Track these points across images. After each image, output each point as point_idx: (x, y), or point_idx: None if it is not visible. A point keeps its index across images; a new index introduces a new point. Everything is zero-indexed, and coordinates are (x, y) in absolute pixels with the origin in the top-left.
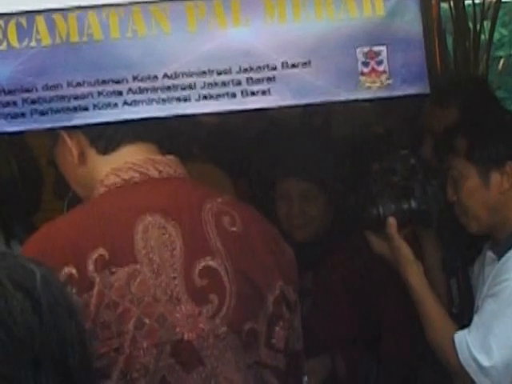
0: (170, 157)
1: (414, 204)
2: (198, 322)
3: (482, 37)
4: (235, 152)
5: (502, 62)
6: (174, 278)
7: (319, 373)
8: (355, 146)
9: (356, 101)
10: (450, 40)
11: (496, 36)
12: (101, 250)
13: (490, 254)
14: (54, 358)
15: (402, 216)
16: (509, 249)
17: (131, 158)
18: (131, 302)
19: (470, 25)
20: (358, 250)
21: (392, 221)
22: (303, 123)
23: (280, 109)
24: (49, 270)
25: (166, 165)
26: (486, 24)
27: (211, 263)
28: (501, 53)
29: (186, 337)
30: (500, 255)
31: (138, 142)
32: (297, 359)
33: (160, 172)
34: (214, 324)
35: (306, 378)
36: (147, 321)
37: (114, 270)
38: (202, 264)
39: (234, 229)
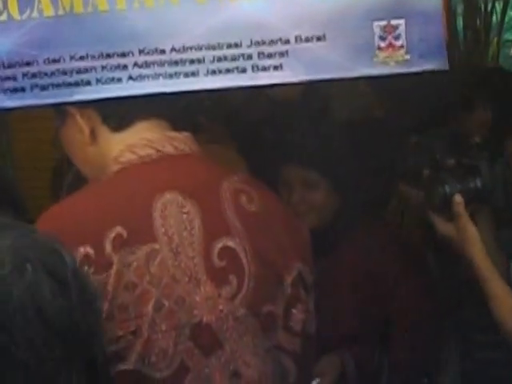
0: (186, 133)
1: (479, 183)
2: (217, 304)
3: (493, 18)
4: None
5: None
6: (193, 258)
7: (330, 374)
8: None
9: (372, 77)
10: (459, 21)
11: (505, 18)
12: (119, 229)
13: None
14: (82, 350)
15: (467, 195)
16: None
17: (146, 135)
18: (150, 282)
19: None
20: (367, 244)
21: (459, 199)
22: (304, 108)
23: (282, 91)
24: (72, 255)
25: (182, 142)
26: (498, 4)
27: (230, 243)
28: (510, 36)
29: (204, 319)
30: None
31: (151, 119)
32: (311, 343)
33: (176, 149)
34: (233, 306)
35: (318, 380)
36: (166, 302)
37: (132, 249)
38: (221, 244)
39: (252, 207)
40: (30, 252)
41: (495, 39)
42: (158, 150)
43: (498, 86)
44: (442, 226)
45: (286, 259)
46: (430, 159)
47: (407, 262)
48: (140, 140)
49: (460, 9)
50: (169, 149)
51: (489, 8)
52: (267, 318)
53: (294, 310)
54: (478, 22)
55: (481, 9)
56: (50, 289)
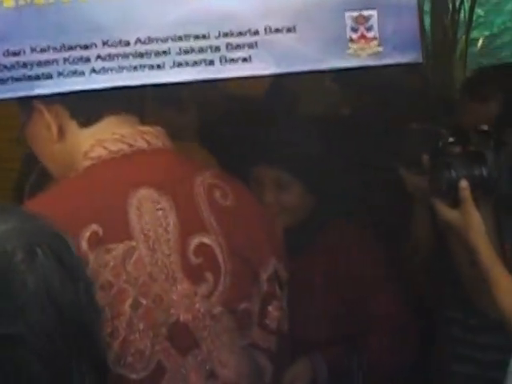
0: (158, 128)
1: (485, 171)
2: (193, 302)
3: (461, 16)
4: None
5: (480, 42)
6: (169, 255)
7: (302, 379)
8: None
9: (344, 69)
10: (427, 19)
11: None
12: (94, 227)
13: None
14: (89, 344)
15: (472, 181)
16: None
17: (118, 129)
18: (127, 281)
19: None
20: (341, 245)
21: (465, 184)
22: (273, 106)
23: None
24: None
25: (154, 136)
26: (467, 1)
27: (205, 240)
28: (476, 34)
29: (181, 318)
30: None
31: (121, 113)
32: (286, 341)
33: (149, 144)
34: (209, 304)
35: None
36: (143, 301)
37: (108, 247)
38: (197, 241)
39: (226, 202)
40: (37, 237)
41: (463, 37)
42: (131, 145)
43: (510, 79)
44: (446, 212)
45: (262, 255)
46: (431, 146)
47: (384, 262)
48: (112, 135)
49: (427, 7)
50: (141, 143)
51: (457, 6)
52: (243, 316)
53: (269, 308)
54: (446, 19)
55: (448, 7)
56: (59, 276)
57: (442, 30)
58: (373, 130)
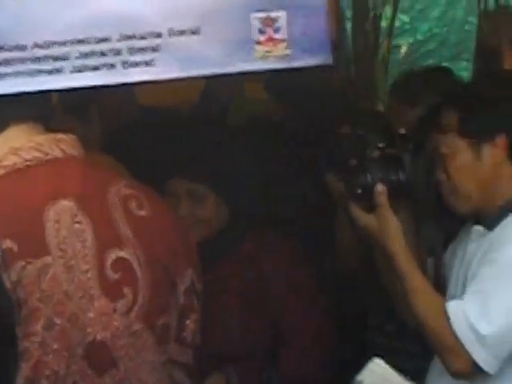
0: (72, 136)
1: (402, 175)
2: (112, 319)
3: (384, 23)
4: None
5: (403, 49)
6: (87, 271)
7: None
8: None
9: (251, 72)
10: (349, 25)
11: (395, 23)
12: (8, 242)
13: (477, 229)
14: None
15: (389, 186)
16: (500, 220)
17: (33, 137)
18: (40, 300)
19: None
20: (255, 257)
21: (381, 188)
22: (193, 113)
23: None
24: None
25: (69, 145)
26: (389, 8)
27: (123, 254)
28: (401, 41)
29: (98, 337)
30: (491, 228)
31: (28, 121)
32: (200, 353)
33: (64, 153)
34: (128, 321)
35: None
36: (58, 321)
37: (23, 264)
38: (114, 255)
39: (142, 212)
40: None
41: (385, 43)
42: (46, 153)
43: (440, 83)
44: (361, 217)
45: (179, 264)
46: (359, 150)
47: (299, 275)
48: (27, 142)
49: (349, 14)
50: (57, 152)
51: (378, 11)
52: (162, 331)
53: (187, 321)
54: (368, 25)
55: (370, 13)
56: None
57: (363, 36)
58: (296, 136)
